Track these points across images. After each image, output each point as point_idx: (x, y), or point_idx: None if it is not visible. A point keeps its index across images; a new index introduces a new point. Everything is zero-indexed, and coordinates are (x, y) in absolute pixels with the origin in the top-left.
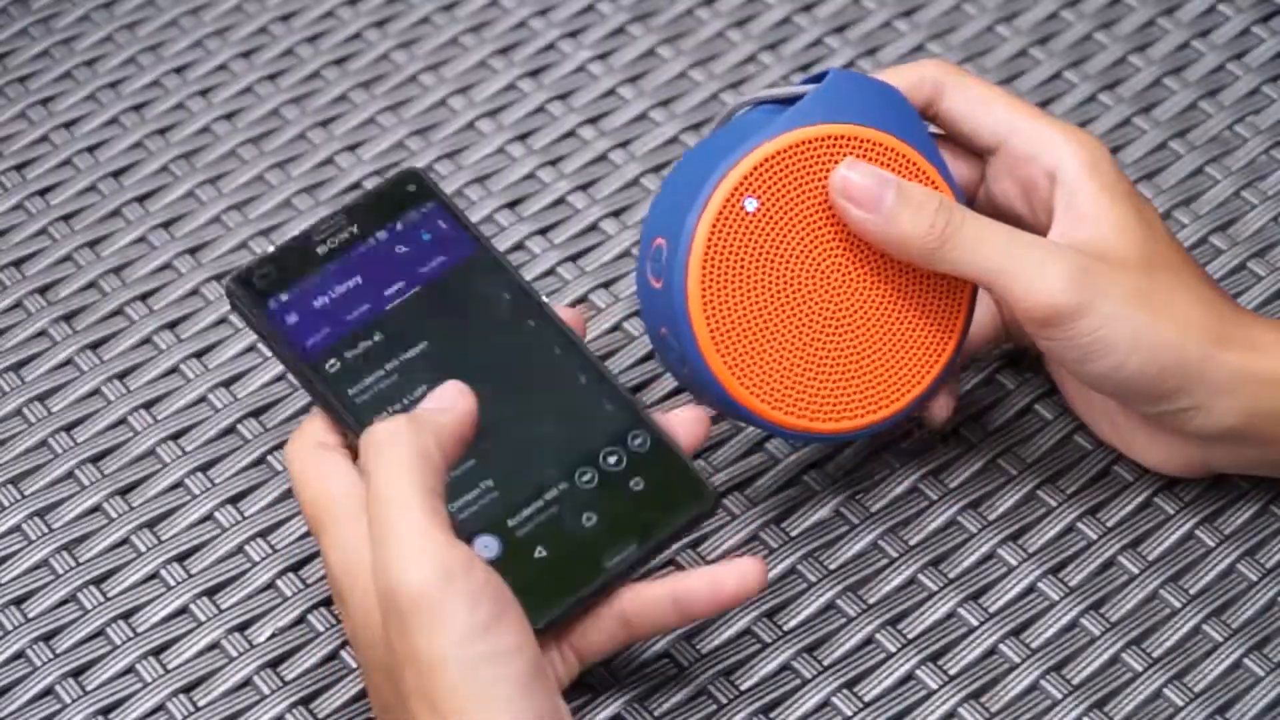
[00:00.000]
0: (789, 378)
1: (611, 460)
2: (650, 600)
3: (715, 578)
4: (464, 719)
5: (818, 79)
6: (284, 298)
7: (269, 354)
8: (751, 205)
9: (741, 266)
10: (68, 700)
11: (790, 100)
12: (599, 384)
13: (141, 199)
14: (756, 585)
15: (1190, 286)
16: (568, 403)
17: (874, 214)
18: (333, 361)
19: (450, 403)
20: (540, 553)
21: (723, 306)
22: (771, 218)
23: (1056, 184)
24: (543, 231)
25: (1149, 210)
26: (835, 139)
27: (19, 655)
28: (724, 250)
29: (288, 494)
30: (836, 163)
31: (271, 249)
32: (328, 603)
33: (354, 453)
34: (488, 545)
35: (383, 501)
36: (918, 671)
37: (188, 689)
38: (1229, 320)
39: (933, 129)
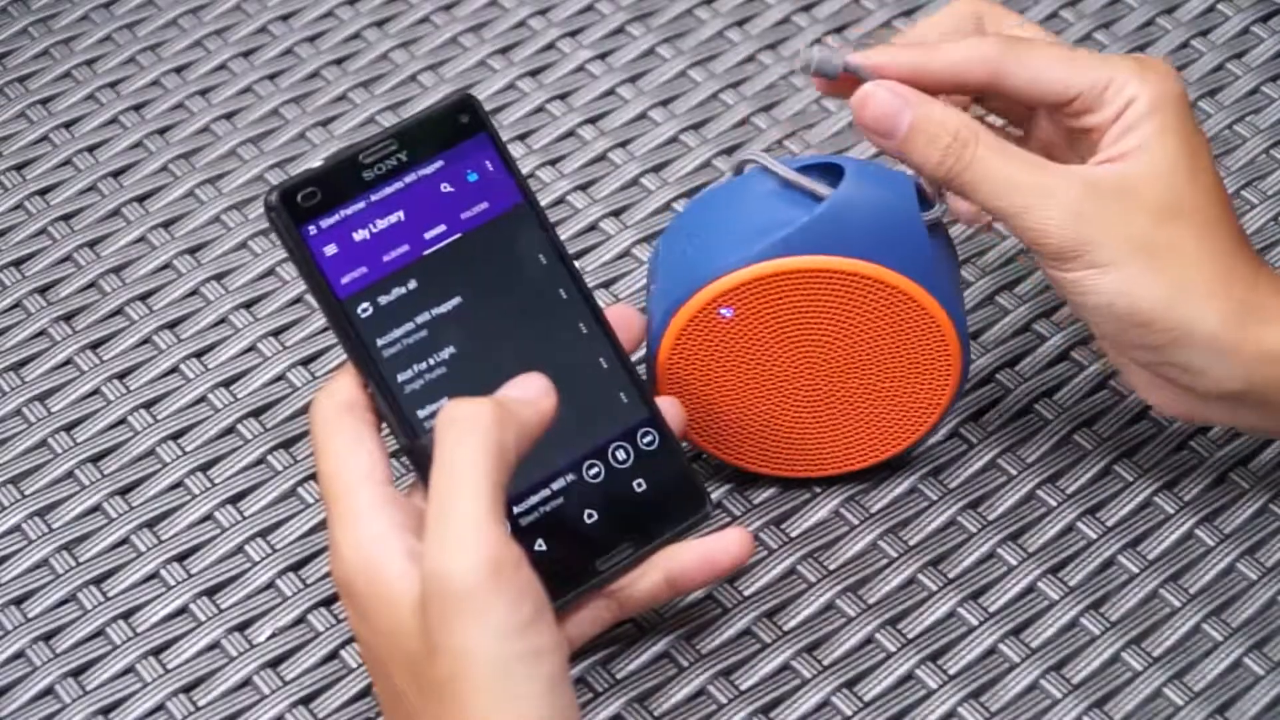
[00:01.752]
0: (744, 446)
1: (619, 456)
2: (643, 584)
3: (708, 555)
4: (492, 715)
5: (834, 169)
6: (324, 224)
7: (296, 276)
8: (728, 313)
9: (708, 359)
10: (68, 700)
11: (799, 188)
12: (618, 371)
13: (141, 199)
14: (748, 554)
15: (1211, 243)
16: (586, 388)
17: (889, 140)
18: (365, 306)
19: (536, 397)
20: (540, 546)
21: (684, 388)
22: (746, 321)
23: (1116, 120)
24: None
25: (1198, 158)
26: (819, 272)
27: (19, 655)
28: (692, 345)
29: (288, 494)
30: (817, 289)
31: (319, 163)
32: (328, 603)
33: (376, 410)
34: None
35: (450, 483)
36: (917, 671)
37: (188, 689)
38: (1242, 284)
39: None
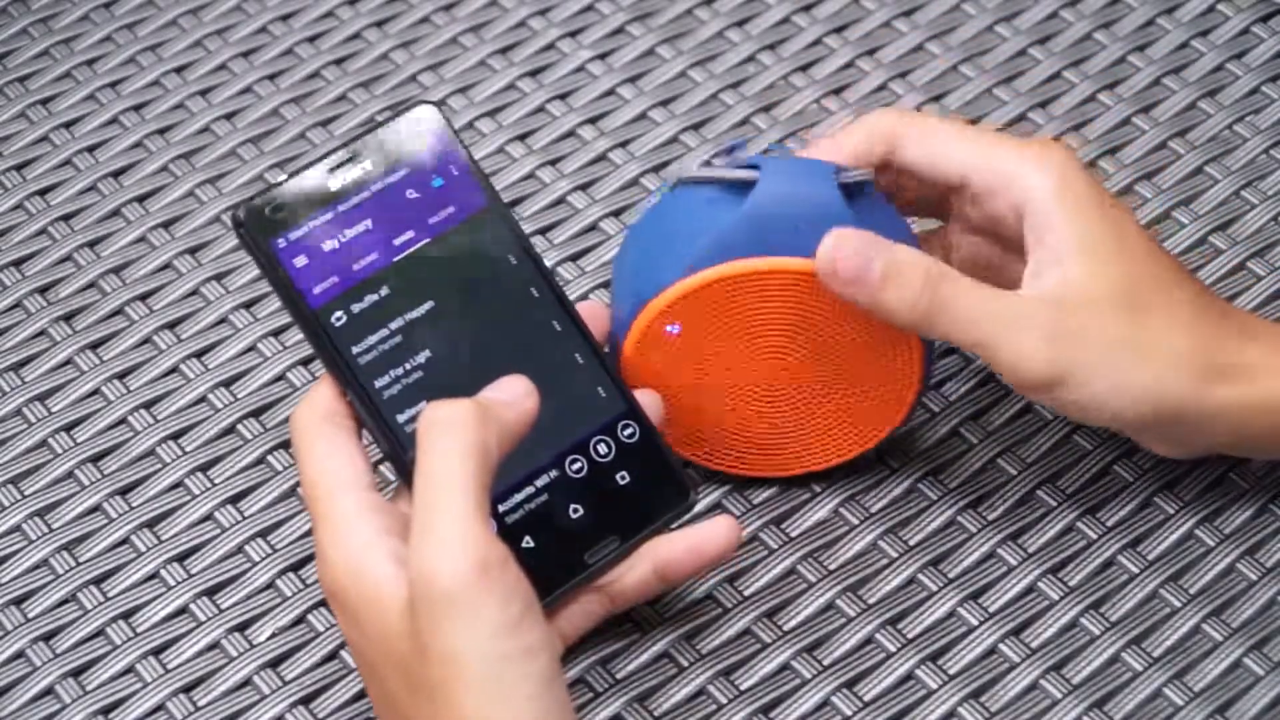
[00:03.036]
0: (723, 451)
1: (601, 450)
2: (631, 577)
3: (696, 545)
4: (479, 713)
5: (753, 166)
6: (293, 236)
7: (272, 291)
8: (674, 329)
9: (668, 375)
10: (68, 700)
11: (723, 183)
12: (594, 366)
13: (141, 199)
14: (735, 542)
15: (1175, 316)
16: (564, 384)
17: (860, 289)
18: (339, 315)
19: (517, 399)
20: (527, 543)
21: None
22: (694, 334)
23: (1025, 218)
24: (543, 231)
25: (1124, 223)
26: (745, 276)
27: (19, 655)
28: (648, 363)
29: (288, 494)
30: (750, 291)
31: (283, 177)
32: (327, 603)
33: (356, 418)
34: None
35: (433, 486)
36: (917, 671)
37: (188, 689)
38: (1218, 345)
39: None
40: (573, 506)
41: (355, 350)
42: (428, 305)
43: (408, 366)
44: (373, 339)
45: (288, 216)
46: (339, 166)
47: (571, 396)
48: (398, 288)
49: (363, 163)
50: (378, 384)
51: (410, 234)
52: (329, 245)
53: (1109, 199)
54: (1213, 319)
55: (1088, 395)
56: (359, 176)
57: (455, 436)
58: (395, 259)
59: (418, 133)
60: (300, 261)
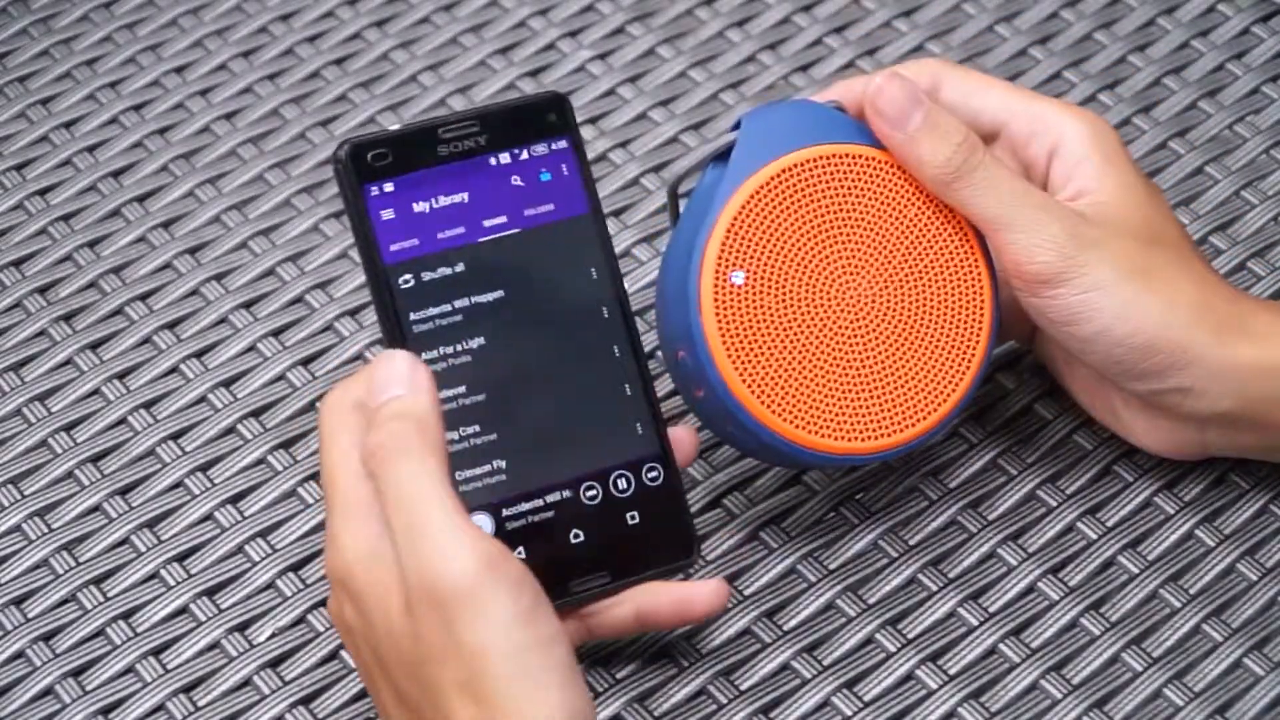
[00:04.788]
0: (824, 409)
1: (620, 485)
2: (611, 614)
3: (683, 600)
4: (512, 707)
5: (736, 127)
6: (387, 187)
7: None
8: (739, 278)
9: (759, 332)
10: (68, 700)
11: (714, 157)
12: (640, 402)
13: (141, 199)
14: (720, 607)
15: (1189, 267)
16: (604, 410)
17: (898, 132)
18: (407, 278)
19: (421, 383)
20: (519, 554)
21: (762, 381)
22: (764, 277)
23: (1056, 159)
24: None
25: (1153, 187)
26: (770, 182)
27: (19, 655)
28: (737, 330)
29: (288, 494)
30: (789, 197)
31: (397, 125)
32: (327, 603)
33: None
34: (480, 525)
35: (407, 504)
36: (918, 671)
37: (188, 689)
38: (1225, 305)
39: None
40: (575, 532)
41: (413, 317)
42: (497, 294)
43: (458, 348)
44: (433, 311)
45: (389, 166)
46: (455, 131)
47: (608, 425)
48: (473, 268)
49: (479, 135)
50: (425, 358)
51: (503, 219)
52: (420, 207)
53: (1139, 169)
54: (1222, 281)
55: (1085, 301)
56: (470, 147)
57: (411, 456)
58: (480, 239)
59: (542, 122)
60: (387, 214)
